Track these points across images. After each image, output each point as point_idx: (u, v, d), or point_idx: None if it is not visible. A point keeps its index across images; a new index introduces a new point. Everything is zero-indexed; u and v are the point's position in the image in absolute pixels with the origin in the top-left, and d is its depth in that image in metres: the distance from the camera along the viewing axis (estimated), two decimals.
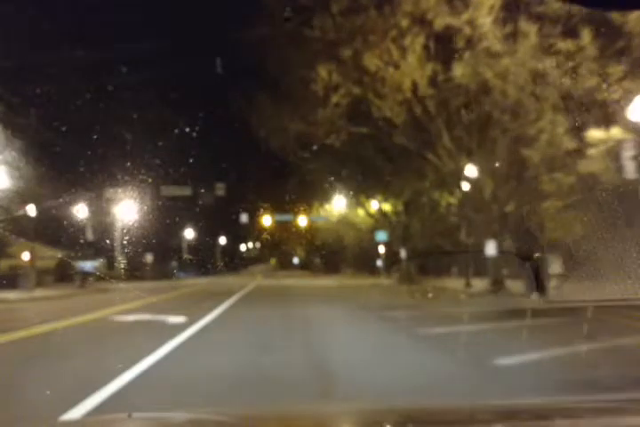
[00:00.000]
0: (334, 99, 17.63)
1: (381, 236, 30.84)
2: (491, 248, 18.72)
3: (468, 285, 24.43)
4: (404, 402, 4.04)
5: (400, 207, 29.87)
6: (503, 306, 15.89)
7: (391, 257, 32.48)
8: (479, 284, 24.32)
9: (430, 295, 20.64)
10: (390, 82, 16.91)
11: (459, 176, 19.09)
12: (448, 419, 2.32)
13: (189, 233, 73.82)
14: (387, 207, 31.00)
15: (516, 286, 19.57)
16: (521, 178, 17.30)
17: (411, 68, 16.38)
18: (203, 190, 34.58)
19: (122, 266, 51.30)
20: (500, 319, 12.27)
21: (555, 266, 18.29)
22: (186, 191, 35.60)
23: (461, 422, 2.31)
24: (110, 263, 51.90)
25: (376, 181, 28.42)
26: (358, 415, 2.49)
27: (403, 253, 29.79)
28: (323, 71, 17.00)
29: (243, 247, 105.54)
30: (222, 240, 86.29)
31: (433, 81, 16.69)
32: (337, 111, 18.67)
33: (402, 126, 18.70)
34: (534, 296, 17.90)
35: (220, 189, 34.95)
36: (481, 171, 18.49)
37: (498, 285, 18.82)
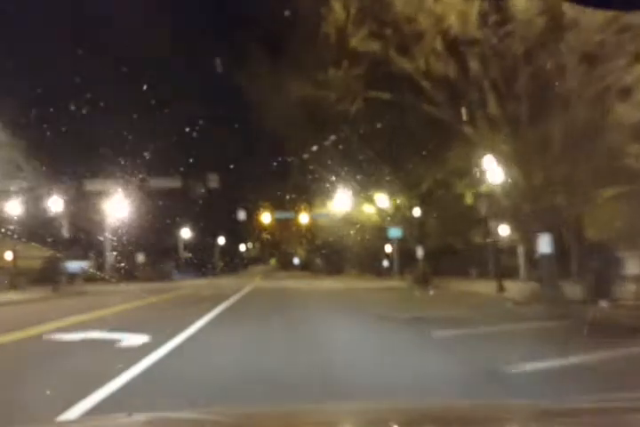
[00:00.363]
0: (352, 42, 13.35)
1: (395, 232, 26.35)
2: (545, 245, 14.43)
3: (501, 289, 20.15)
4: (404, 402, 3.49)
5: (416, 200, 25.53)
6: (579, 319, 11.61)
7: (405, 256, 28.11)
8: (513, 287, 20.06)
9: (468, 303, 16.39)
10: (425, 23, 12.66)
11: (501, 153, 14.77)
12: (449, 419, 2.22)
13: (186, 232, 70.01)
14: (401, 201, 26.61)
15: (567, 289, 15.34)
16: (593, 152, 13.00)
17: (449, 5, 12.15)
18: (195, 182, 30.25)
19: (112, 266, 47.29)
20: (611, 342, 7.94)
21: (634, 266, 14.09)
22: (175, 183, 31.33)
23: (462, 422, 2.20)
24: (100, 263, 47.80)
25: (390, 170, 24.23)
26: (359, 415, 2.39)
27: (419, 252, 25.42)
28: (336, 4, 12.80)
29: (242, 247, 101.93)
30: (221, 240, 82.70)
31: (480, 24, 12.45)
32: (352, 72, 14.45)
33: (432, 89, 14.45)
34: (603, 304, 13.66)
35: (213, 181, 30.64)
36: (533, 146, 14.21)
37: (553, 289, 14.54)
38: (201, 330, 10.78)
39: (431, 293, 21.73)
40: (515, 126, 14.14)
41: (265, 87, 16.08)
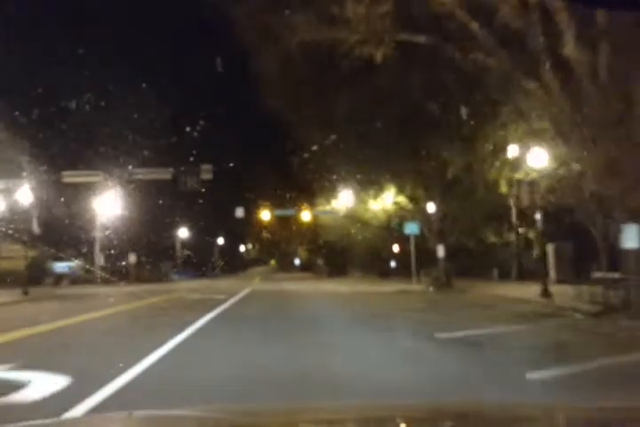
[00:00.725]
0: None
1: (412, 228, 22.12)
2: (632, 238, 10.50)
3: (545, 294, 16.19)
4: (405, 402, 3.24)
5: (436, 191, 21.41)
6: None
7: (420, 256, 24.08)
8: (557, 291, 16.13)
9: (519, 313, 12.40)
10: None
11: (573, 115, 10.81)
12: (450, 417, 2.13)
13: (184, 232, 66.37)
14: (418, 192, 22.44)
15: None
16: None
17: None
18: (186, 174, 26.29)
19: (104, 266, 43.50)
20: None
21: None
22: (165, 174, 27.37)
23: (464, 422, 2.11)
24: (91, 263, 43.87)
25: (407, 154, 20.23)
26: (358, 414, 2.29)
27: (440, 251, 21.36)
28: None
29: (242, 248, 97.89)
30: (221, 241, 79.04)
31: None
32: (376, 10, 10.57)
33: (481, 32, 10.57)
34: None
35: (207, 172, 26.63)
36: (617, 106, 10.30)
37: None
38: (156, 366, 6.80)
39: (460, 297, 17.85)
40: (594, 79, 10.24)
41: (267, 30, 12.07)
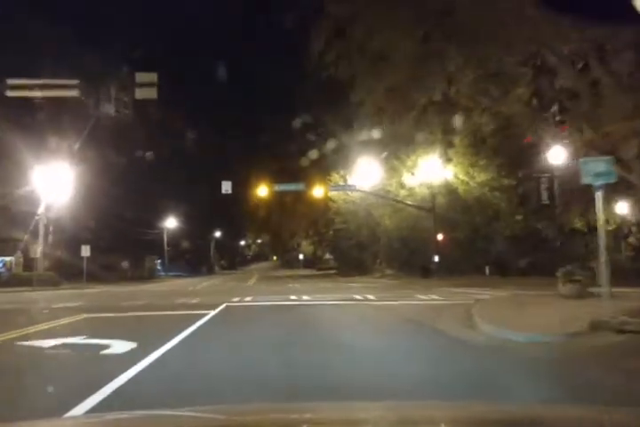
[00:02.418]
0: None
1: (601, 171, 7.45)
2: None
3: None
4: (400, 403, 2.96)
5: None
6: None
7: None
8: None
9: None
10: None
11: None
12: (448, 418, 2.00)
13: (172, 222, 53.99)
14: None
15: None
16: None
17: None
18: (108, 89, 12.69)
19: (47, 263, 30.34)
20: None
21: None
22: (69, 91, 13.77)
23: (462, 422, 1.98)
24: (30, 259, 30.87)
25: None
26: (356, 413, 2.17)
27: None
28: None
29: (242, 243, 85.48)
30: (217, 234, 66.98)
31: None
32: None
33: None
34: None
35: (148, 88, 12.85)
36: None
37: None
38: None
39: None
40: None
41: None
